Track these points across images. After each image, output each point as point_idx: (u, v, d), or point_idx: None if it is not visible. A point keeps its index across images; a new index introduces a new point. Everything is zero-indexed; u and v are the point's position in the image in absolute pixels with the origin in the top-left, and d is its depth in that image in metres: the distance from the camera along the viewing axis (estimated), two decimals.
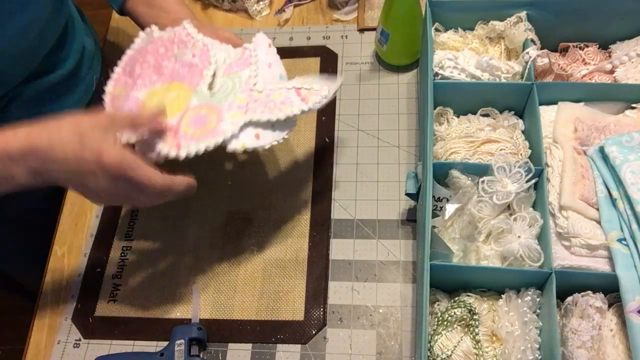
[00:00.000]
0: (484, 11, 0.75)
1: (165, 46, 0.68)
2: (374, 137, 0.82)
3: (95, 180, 0.54)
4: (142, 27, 0.74)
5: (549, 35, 0.74)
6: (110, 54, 0.95)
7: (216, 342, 0.69)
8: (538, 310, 0.59)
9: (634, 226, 0.58)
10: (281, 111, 0.62)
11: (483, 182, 0.63)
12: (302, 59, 0.90)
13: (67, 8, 0.79)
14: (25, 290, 1.24)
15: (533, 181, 0.62)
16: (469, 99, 0.72)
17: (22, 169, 0.53)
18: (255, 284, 0.72)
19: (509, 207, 0.64)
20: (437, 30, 0.77)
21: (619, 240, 0.58)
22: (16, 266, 1.10)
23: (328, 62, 0.89)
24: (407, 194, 0.68)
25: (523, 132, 0.70)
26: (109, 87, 0.67)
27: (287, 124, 0.63)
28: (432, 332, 0.60)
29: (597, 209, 0.61)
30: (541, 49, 0.72)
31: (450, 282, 0.63)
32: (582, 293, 0.57)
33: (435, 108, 0.71)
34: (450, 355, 0.58)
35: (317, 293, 0.71)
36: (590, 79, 0.73)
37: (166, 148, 0.59)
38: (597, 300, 0.56)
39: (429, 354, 0.58)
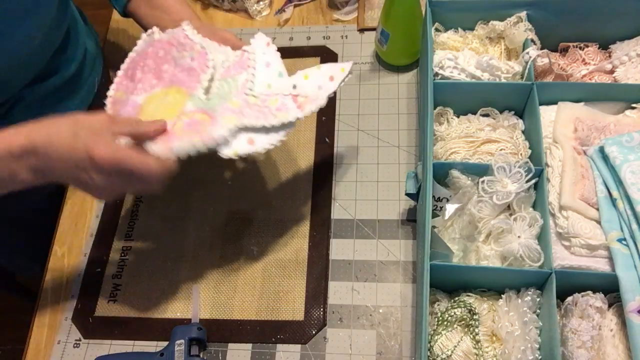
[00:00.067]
0: (484, 11, 0.75)
1: (164, 49, 0.68)
2: (374, 137, 0.82)
3: (88, 176, 0.54)
4: (145, 29, 0.74)
5: (549, 35, 0.74)
6: (110, 54, 0.95)
7: (216, 342, 0.69)
8: (538, 310, 0.59)
9: (634, 226, 0.58)
10: (276, 117, 0.61)
11: (483, 182, 0.63)
12: (302, 59, 0.90)
13: (70, 11, 0.79)
14: (25, 290, 1.24)
15: (533, 181, 0.62)
16: (469, 99, 0.72)
17: (24, 167, 0.54)
18: (255, 284, 0.72)
19: (509, 207, 0.64)
20: (437, 30, 0.77)
21: (619, 240, 0.58)
22: (17, 265, 1.10)
23: (328, 62, 0.89)
24: (407, 194, 0.68)
25: (523, 132, 0.70)
26: (111, 91, 0.67)
27: (282, 127, 0.62)
28: (432, 332, 0.60)
29: (597, 209, 0.61)
30: (541, 49, 0.72)
31: (450, 282, 0.63)
32: (582, 293, 0.57)
33: (435, 108, 0.71)
34: (450, 355, 0.58)
35: (317, 293, 0.71)
36: (590, 79, 0.73)
37: (157, 148, 0.58)
38: (597, 300, 0.56)
39: (429, 354, 0.58)
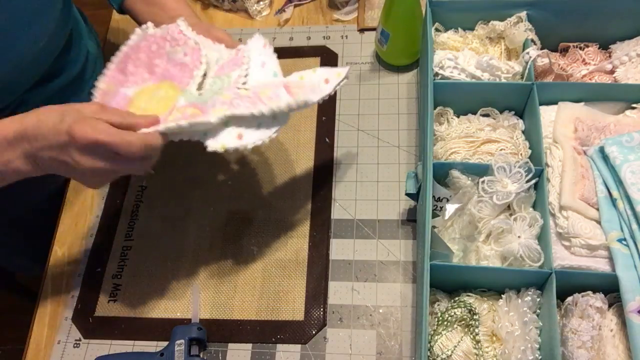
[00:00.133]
0: (484, 11, 0.75)
1: (157, 43, 0.67)
2: (374, 137, 0.82)
3: (71, 158, 0.53)
4: (141, 25, 0.74)
5: (549, 35, 0.74)
6: (110, 55, 0.94)
7: (216, 342, 0.69)
8: (538, 310, 0.59)
9: (634, 226, 0.58)
10: (266, 105, 0.59)
11: (483, 182, 0.63)
12: (302, 59, 0.90)
13: (72, 13, 0.79)
14: (25, 290, 1.24)
15: (533, 181, 0.62)
16: (469, 99, 0.72)
17: (18, 153, 0.54)
18: (255, 284, 0.72)
19: (509, 207, 0.64)
20: (437, 30, 0.77)
21: (619, 240, 0.58)
22: (17, 265, 1.10)
23: (328, 62, 0.89)
24: (407, 194, 0.68)
25: (523, 132, 0.70)
26: (101, 84, 0.66)
27: (273, 122, 0.60)
28: (432, 332, 0.60)
29: (597, 209, 0.61)
30: (541, 49, 0.72)
31: (450, 282, 0.63)
32: (582, 293, 0.57)
33: (435, 108, 0.71)
34: (450, 355, 0.58)
35: (317, 293, 0.71)
36: (590, 79, 0.73)
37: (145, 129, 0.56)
38: (597, 300, 0.56)
39: (429, 354, 0.58)
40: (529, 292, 0.58)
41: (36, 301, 0.75)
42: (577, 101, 0.69)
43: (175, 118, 0.58)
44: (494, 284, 0.62)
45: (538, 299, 0.58)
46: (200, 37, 0.67)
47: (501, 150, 0.67)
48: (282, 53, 0.91)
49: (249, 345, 0.69)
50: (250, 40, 0.67)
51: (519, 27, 0.72)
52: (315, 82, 0.63)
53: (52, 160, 0.54)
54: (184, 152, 0.82)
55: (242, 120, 0.59)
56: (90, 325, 0.72)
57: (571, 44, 0.75)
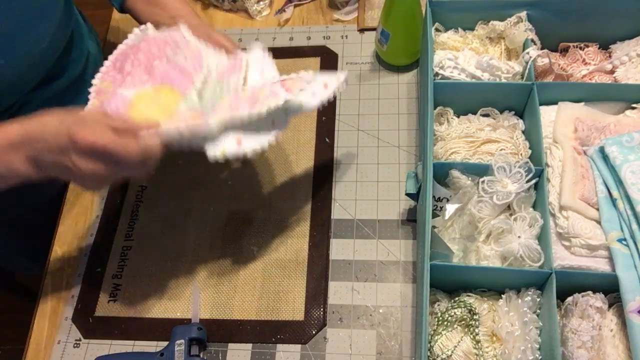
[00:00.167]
0: (484, 11, 0.75)
1: (158, 46, 0.67)
2: (374, 137, 0.82)
3: (71, 161, 0.53)
4: (142, 21, 0.74)
5: (549, 35, 0.74)
6: (110, 55, 0.95)
7: (216, 342, 0.69)
8: (538, 310, 0.59)
9: (634, 226, 0.58)
10: (264, 104, 0.58)
11: (483, 182, 0.63)
12: (302, 59, 0.90)
13: (74, 13, 0.79)
14: (25, 290, 1.24)
15: (533, 181, 0.62)
16: (469, 99, 0.72)
17: (21, 157, 0.54)
18: (255, 284, 0.72)
19: (509, 207, 0.64)
20: (437, 30, 0.77)
21: (619, 240, 0.58)
22: (17, 265, 1.10)
23: (328, 62, 0.89)
24: (407, 194, 0.68)
25: (523, 132, 0.70)
26: (96, 80, 0.65)
27: (272, 126, 0.61)
28: (432, 332, 0.60)
29: (597, 209, 0.61)
30: (541, 49, 0.72)
31: (450, 282, 0.63)
32: (582, 293, 0.57)
33: (435, 108, 0.71)
34: (450, 355, 0.58)
35: (317, 293, 0.71)
36: (590, 79, 0.73)
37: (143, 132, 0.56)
38: (597, 300, 0.56)
39: (429, 354, 0.58)
40: (529, 292, 0.58)
41: (36, 301, 0.75)
42: (577, 101, 0.69)
43: (173, 125, 0.58)
44: (494, 284, 0.62)
45: (538, 299, 0.58)
46: (201, 42, 0.67)
47: (501, 150, 0.67)
48: (282, 53, 0.91)
49: (249, 345, 0.69)
50: (249, 49, 0.67)
51: (519, 27, 0.72)
52: (315, 87, 0.63)
53: (53, 163, 0.54)
54: (184, 152, 0.82)
55: (241, 125, 0.59)
56: (90, 325, 0.72)
57: (571, 44, 0.75)
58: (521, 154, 0.67)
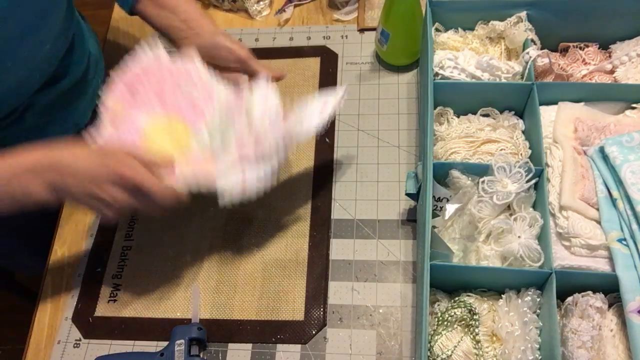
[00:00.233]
0: (484, 11, 0.75)
1: (171, 74, 0.70)
2: (374, 137, 0.82)
3: (108, 190, 0.58)
4: (154, 27, 0.76)
5: (549, 35, 0.74)
6: (110, 55, 0.95)
7: (216, 342, 0.69)
8: (538, 310, 0.59)
9: (634, 226, 0.58)
10: (270, 161, 0.65)
11: (483, 182, 0.63)
12: (302, 59, 0.90)
13: (75, 15, 0.80)
14: (25, 290, 1.24)
15: (533, 181, 0.62)
16: (469, 99, 0.72)
17: (41, 182, 0.57)
18: (255, 284, 0.72)
19: (509, 207, 0.64)
20: (437, 30, 0.77)
21: (619, 240, 0.58)
22: (17, 265, 1.10)
23: (328, 62, 0.89)
24: (407, 194, 0.68)
25: (523, 132, 0.70)
26: (109, 101, 0.68)
27: (272, 171, 0.66)
28: (432, 332, 0.60)
29: (597, 209, 0.61)
30: (541, 49, 0.72)
31: (450, 282, 0.63)
32: (582, 293, 0.57)
33: (435, 108, 0.71)
34: (450, 355, 0.58)
35: (317, 293, 0.71)
36: (590, 79, 0.73)
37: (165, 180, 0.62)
38: (597, 300, 0.56)
39: (429, 354, 0.58)
40: (529, 292, 0.58)
41: (36, 301, 0.75)
42: (577, 101, 0.69)
43: (190, 170, 0.64)
44: (494, 284, 0.62)
45: (538, 299, 0.58)
46: (213, 76, 0.70)
47: (501, 150, 0.67)
48: (282, 53, 0.91)
49: (249, 345, 0.69)
50: (256, 84, 0.70)
51: (519, 27, 0.72)
52: (314, 111, 0.68)
53: (80, 192, 0.58)
54: None
55: (248, 173, 0.65)
56: (90, 325, 0.72)
57: (571, 44, 0.75)
58: (521, 154, 0.67)
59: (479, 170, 0.64)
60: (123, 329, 0.71)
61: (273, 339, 0.69)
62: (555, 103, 0.69)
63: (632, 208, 0.58)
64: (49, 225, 0.81)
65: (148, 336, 0.70)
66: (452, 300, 0.62)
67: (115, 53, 0.95)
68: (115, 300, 0.73)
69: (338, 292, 0.71)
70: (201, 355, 0.68)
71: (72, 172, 0.58)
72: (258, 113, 0.68)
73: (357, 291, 0.71)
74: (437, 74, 0.72)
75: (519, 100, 0.70)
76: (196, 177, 0.64)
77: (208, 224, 0.78)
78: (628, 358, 0.55)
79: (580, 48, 0.75)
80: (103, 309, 0.73)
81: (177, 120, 0.68)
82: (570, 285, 0.57)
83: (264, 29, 0.95)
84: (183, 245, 0.76)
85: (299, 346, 0.68)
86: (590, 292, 0.57)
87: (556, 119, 0.68)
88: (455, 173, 0.64)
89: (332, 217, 0.76)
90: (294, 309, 0.70)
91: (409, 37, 0.82)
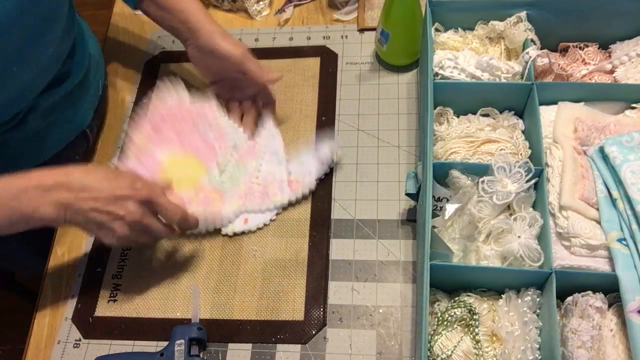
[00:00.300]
0: (484, 11, 0.75)
1: (192, 117, 0.79)
2: (374, 137, 0.82)
3: (126, 207, 0.60)
4: (158, 24, 0.79)
5: (549, 35, 0.74)
6: (110, 55, 0.95)
7: (216, 342, 0.69)
8: (538, 310, 0.59)
9: (634, 226, 0.58)
10: (272, 202, 0.75)
11: (483, 182, 0.63)
12: (302, 59, 0.90)
13: (76, 17, 0.80)
14: (25, 290, 1.24)
15: (533, 181, 0.62)
16: (469, 99, 0.72)
17: (50, 200, 0.59)
18: (255, 284, 0.72)
19: (509, 207, 0.64)
20: (437, 30, 0.77)
21: (619, 240, 0.58)
22: (17, 265, 1.10)
23: (328, 62, 0.89)
24: (407, 194, 0.69)
25: (523, 132, 0.70)
26: (135, 137, 0.78)
27: (274, 208, 0.76)
28: (432, 332, 0.60)
29: (597, 209, 0.61)
30: (541, 49, 0.72)
31: (450, 282, 0.63)
32: (582, 293, 0.57)
33: (435, 108, 0.71)
34: (450, 355, 0.58)
35: (317, 293, 0.71)
36: (590, 79, 0.73)
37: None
38: (597, 300, 0.56)
39: (429, 354, 0.58)
40: (529, 292, 0.58)
41: (36, 301, 0.75)
42: (577, 101, 0.69)
43: (201, 210, 0.72)
44: (494, 284, 0.62)
45: (538, 299, 0.58)
46: (229, 121, 0.79)
47: (501, 150, 0.67)
48: (282, 53, 0.91)
49: (249, 345, 0.69)
50: (263, 128, 0.81)
51: (518, 27, 0.72)
52: (312, 166, 0.76)
53: (87, 207, 0.59)
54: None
55: (249, 208, 0.75)
56: (90, 325, 0.72)
57: (571, 44, 0.75)
58: (521, 154, 0.67)
59: (478, 170, 0.64)
60: (123, 329, 0.71)
61: (273, 339, 0.69)
62: (555, 103, 0.69)
63: (632, 208, 0.58)
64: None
65: (148, 336, 0.70)
66: (452, 300, 0.62)
67: (115, 53, 0.96)
68: (115, 300, 0.73)
69: (338, 292, 0.71)
70: (201, 355, 0.68)
71: (82, 187, 0.59)
72: (266, 157, 0.78)
73: (357, 291, 0.71)
74: (437, 74, 0.72)
75: (519, 100, 0.70)
76: (205, 217, 0.72)
77: None
78: (628, 358, 0.55)
79: (580, 48, 0.75)
80: (103, 309, 0.73)
81: (193, 157, 0.77)
82: (570, 285, 0.57)
83: (263, 29, 0.95)
84: (183, 245, 0.76)
85: (299, 346, 0.68)
86: (590, 292, 0.57)
87: (556, 119, 0.68)
88: (455, 173, 0.64)
89: (332, 217, 0.76)
90: (293, 309, 0.70)
91: (408, 37, 0.82)
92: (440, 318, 0.60)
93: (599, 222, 0.61)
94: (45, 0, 0.66)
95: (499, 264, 0.61)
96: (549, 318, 0.55)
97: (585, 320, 0.56)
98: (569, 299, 0.58)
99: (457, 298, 0.62)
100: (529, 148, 0.67)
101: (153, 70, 0.92)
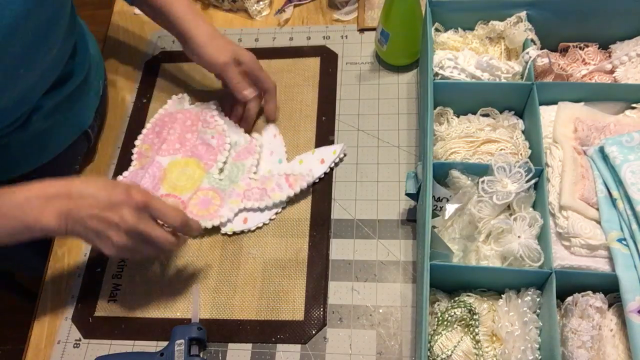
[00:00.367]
0: (484, 11, 0.75)
1: (191, 120, 0.81)
2: (374, 137, 0.82)
3: (121, 213, 0.60)
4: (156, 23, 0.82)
5: (549, 35, 0.74)
6: (110, 56, 0.95)
7: (216, 342, 0.69)
8: (538, 310, 0.59)
9: (634, 226, 0.58)
10: (270, 198, 0.75)
11: (483, 182, 0.63)
12: (302, 59, 0.90)
13: (77, 18, 0.81)
14: (25, 290, 1.24)
15: (533, 181, 0.62)
16: (469, 99, 0.72)
17: (52, 209, 0.59)
18: (255, 284, 0.72)
19: (509, 207, 0.64)
20: (437, 30, 0.77)
21: (619, 240, 0.58)
22: (17, 265, 1.10)
23: (328, 62, 0.89)
24: (407, 194, 0.68)
25: (523, 132, 0.70)
26: (139, 142, 0.82)
27: (274, 206, 0.76)
28: (432, 332, 0.60)
29: (597, 209, 0.61)
30: (541, 49, 0.72)
31: (450, 282, 0.63)
32: (582, 293, 0.57)
33: (435, 108, 0.71)
34: (450, 355, 0.58)
35: (317, 293, 0.71)
36: (590, 79, 0.73)
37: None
38: (597, 300, 0.56)
39: (429, 354, 0.58)
40: (529, 292, 0.58)
41: (36, 301, 0.75)
42: (577, 101, 0.69)
43: (198, 201, 0.75)
44: (494, 284, 0.62)
45: (538, 299, 0.58)
46: (228, 122, 0.81)
47: (501, 150, 0.67)
48: (282, 53, 0.91)
49: (249, 345, 0.69)
50: (264, 130, 0.82)
51: (518, 27, 0.72)
52: (313, 164, 0.78)
53: (87, 215, 0.59)
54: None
55: (250, 208, 0.76)
56: (90, 325, 0.72)
57: (571, 44, 0.75)
58: (521, 154, 0.67)
59: (478, 170, 0.64)
60: (123, 329, 0.71)
61: (273, 339, 0.69)
62: (555, 103, 0.69)
63: (632, 208, 0.58)
64: None
65: (148, 336, 0.70)
66: (452, 300, 0.62)
67: (115, 53, 0.96)
68: (115, 300, 0.73)
69: (338, 292, 0.71)
70: (201, 355, 0.68)
71: (80, 195, 0.60)
72: (265, 156, 0.79)
73: (357, 291, 0.71)
74: (437, 74, 0.72)
75: (519, 100, 0.70)
76: (201, 219, 0.73)
77: None
78: (628, 358, 0.55)
79: (580, 48, 0.75)
80: (103, 309, 0.73)
81: (193, 160, 0.78)
82: (570, 285, 0.57)
83: (263, 29, 0.95)
84: (183, 245, 0.76)
85: (298, 346, 0.68)
86: (590, 292, 0.57)
87: (556, 119, 0.68)
88: (455, 173, 0.64)
89: (332, 217, 0.76)
90: (293, 309, 0.70)
91: (408, 37, 0.82)
92: (440, 318, 0.60)
93: (599, 222, 0.61)
94: (49, 1, 0.66)
95: (499, 264, 0.61)
96: (549, 318, 0.55)
97: (585, 320, 0.56)
98: (569, 299, 0.58)
99: (457, 298, 0.62)
100: (529, 148, 0.67)
101: (153, 70, 0.92)
